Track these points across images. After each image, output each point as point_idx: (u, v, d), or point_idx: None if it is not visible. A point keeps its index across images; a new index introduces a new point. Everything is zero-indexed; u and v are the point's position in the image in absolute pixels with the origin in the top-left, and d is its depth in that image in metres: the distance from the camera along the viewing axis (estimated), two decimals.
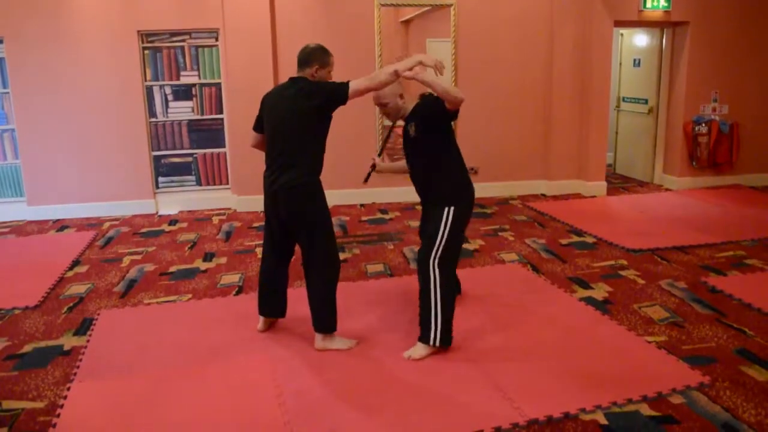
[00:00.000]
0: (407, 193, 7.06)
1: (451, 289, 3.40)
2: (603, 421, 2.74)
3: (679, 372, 3.15)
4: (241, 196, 6.72)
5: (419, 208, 6.72)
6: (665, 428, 2.68)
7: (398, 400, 2.94)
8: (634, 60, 8.08)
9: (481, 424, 2.71)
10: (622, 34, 8.26)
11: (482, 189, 7.20)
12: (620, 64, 8.31)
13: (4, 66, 6.33)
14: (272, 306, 3.66)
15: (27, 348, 3.56)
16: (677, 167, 7.60)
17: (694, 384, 3.02)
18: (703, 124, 7.38)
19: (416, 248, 5.31)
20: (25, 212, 6.55)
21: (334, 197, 6.61)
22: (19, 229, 6.23)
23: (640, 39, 7.96)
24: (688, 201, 6.93)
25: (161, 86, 6.65)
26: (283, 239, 3.52)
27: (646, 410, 2.82)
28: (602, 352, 3.39)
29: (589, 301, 4.11)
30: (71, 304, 4.21)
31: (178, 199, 6.88)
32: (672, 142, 7.67)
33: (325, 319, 3.43)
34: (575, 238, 5.55)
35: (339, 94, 3.21)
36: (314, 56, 3.39)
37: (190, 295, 4.34)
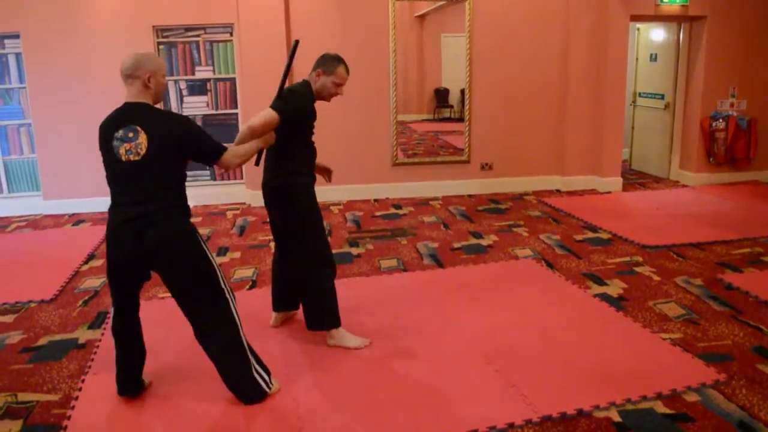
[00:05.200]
0: (421, 189, 7.06)
1: None
2: (617, 418, 2.72)
3: (694, 369, 3.12)
4: (256, 191, 6.71)
5: (433, 203, 6.75)
6: (680, 426, 2.66)
7: (410, 396, 2.94)
8: (651, 55, 7.99)
9: (494, 420, 2.70)
10: (638, 29, 8.17)
11: (496, 184, 7.24)
12: (636, 59, 8.21)
13: (20, 61, 6.39)
14: (280, 299, 3.68)
15: (42, 341, 3.60)
16: (694, 163, 7.52)
17: (710, 382, 2.99)
18: (721, 120, 7.29)
19: (430, 243, 5.31)
20: (41, 206, 6.62)
21: (347, 192, 6.67)
22: (36, 223, 6.29)
23: (657, 33, 7.88)
24: (705, 197, 6.86)
25: (176, 81, 6.68)
26: (279, 234, 3.55)
27: (660, 408, 2.79)
28: (616, 349, 3.36)
29: (604, 297, 4.08)
30: (86, 298, 4.25)
31: (193, 194, 6.71)
32: (689, 138, 7.59)
33: (318, 316, 3.41)
34: (590, 234, 5.51)
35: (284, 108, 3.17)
36: (322, 61, 3.31)
37: None
